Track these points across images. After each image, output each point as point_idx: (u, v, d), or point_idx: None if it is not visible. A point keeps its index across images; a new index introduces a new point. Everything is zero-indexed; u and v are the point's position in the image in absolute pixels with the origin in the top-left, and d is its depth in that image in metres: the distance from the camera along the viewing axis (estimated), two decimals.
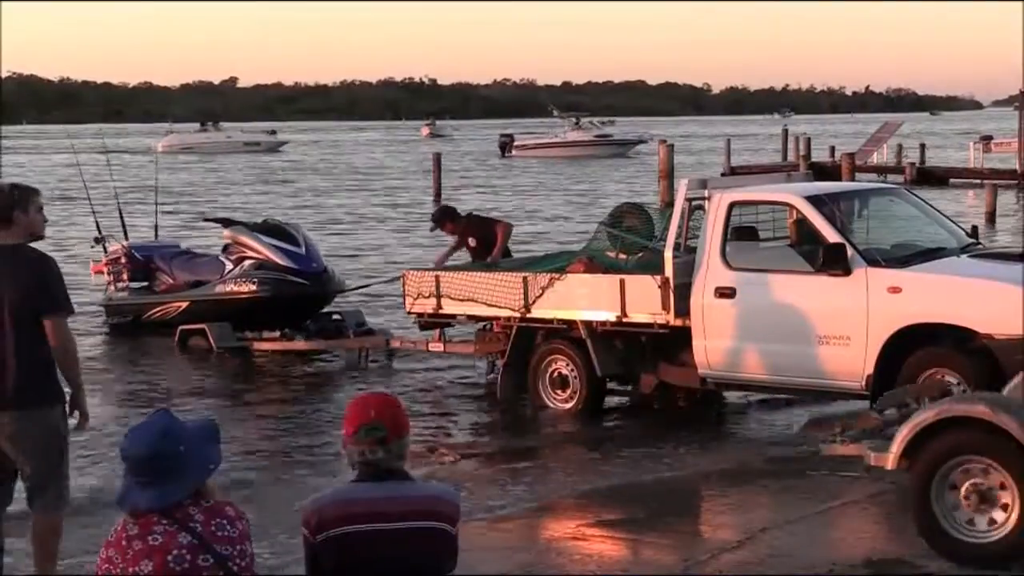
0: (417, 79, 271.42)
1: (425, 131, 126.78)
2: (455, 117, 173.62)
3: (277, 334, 16.80)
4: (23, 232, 7.27)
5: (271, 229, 17.63)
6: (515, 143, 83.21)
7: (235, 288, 16.90)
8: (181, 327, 17.01)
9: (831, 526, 9.37)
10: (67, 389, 7.39)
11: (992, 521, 7.65)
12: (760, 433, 12.45)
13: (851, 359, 10.81)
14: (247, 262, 16.95)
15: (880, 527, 9.24)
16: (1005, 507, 7.60)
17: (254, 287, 16.70)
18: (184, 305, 17.36)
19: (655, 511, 9.48)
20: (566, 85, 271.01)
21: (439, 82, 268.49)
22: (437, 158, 48.38)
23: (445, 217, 15.83)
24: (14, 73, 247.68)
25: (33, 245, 7.34)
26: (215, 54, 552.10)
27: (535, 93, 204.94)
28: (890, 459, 7.88)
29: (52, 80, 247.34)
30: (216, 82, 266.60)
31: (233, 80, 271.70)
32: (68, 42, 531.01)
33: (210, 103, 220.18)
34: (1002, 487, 7.60)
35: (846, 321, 10.89)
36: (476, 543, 7.67)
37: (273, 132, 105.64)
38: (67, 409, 7.36)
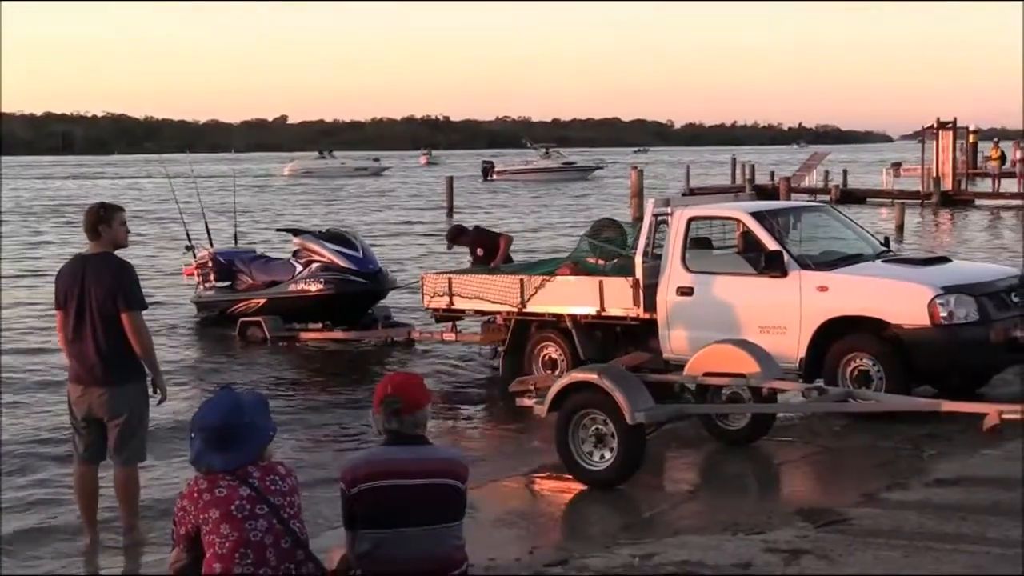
0: (434, 116, 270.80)
1: (423, 160, 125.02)
2: (465, 148, 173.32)
3: (319, 325, 16.77)
4: (108, 243, 7.31)
5: (334, 236, 17.38)
6: (495, 169, 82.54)
7: (305, 287, 16.65)
8: (241, 319, 16.98)
9: (771, 480, 9.37)
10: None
11: (603, 456, 8.61)
12: None
13: (787, 345, 10.80)
14: (314, 264, 16.69)
15: (812, 482, 9.23)
16: (612, 447, 8.53)
17: (321, 285, 16.48)
18: (262, 302, 17.07)
19: None
20: (555, 121, 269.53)
21: (452, 119, 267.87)
22: (449, 181, 48.53)
23: (458, 234, 15.96)
24: (108, 113, 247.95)
25: (116, 253, 7.37)
26: (269, 95, 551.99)
27: (531, 128, 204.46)
28: (544, 410, 8.87)
29: (139, 118, 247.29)
30: (270, 119, 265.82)
31: (284, 117, 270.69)
32: (152, 86, 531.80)
33: (265, 137, 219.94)
34: (611, 433, 8.49)
35: (783, 314, 10.88)
36: (477, 494, 7.67)
37: (377, 159, 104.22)
38: (150, 386, 7.40)
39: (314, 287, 16.57)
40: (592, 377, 8.59)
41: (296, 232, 18.24)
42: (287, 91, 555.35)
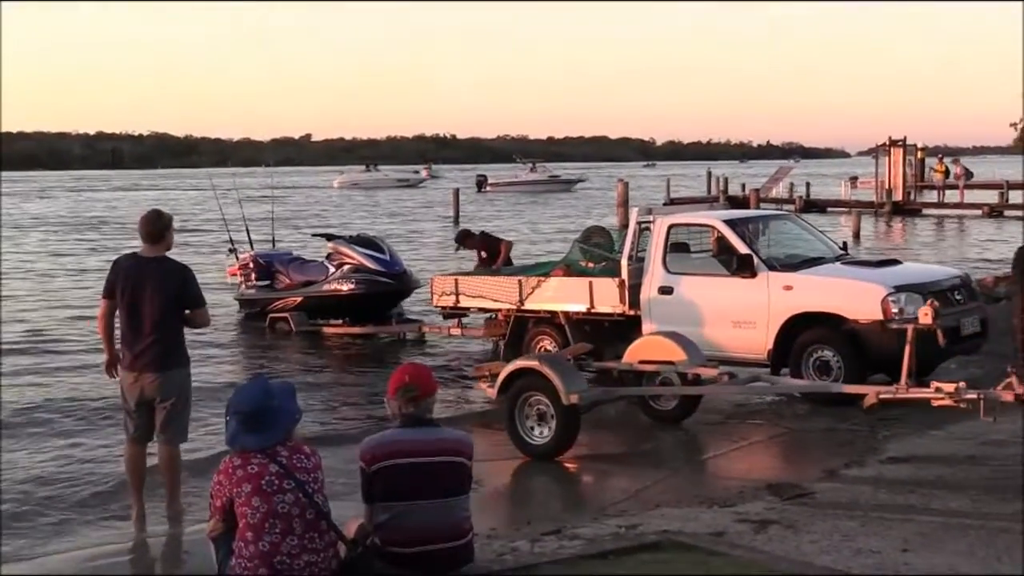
0: (442, 134, 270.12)
1: (424, 173, 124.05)
2: (470, 163, 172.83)
3: (340, 321, 16.73)
4: (166, 247, 7.35)
5: (363, 241, 17.28)
6: (488, 182, 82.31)
7: (338, 287, 16.55)
8: (270, 314, 16.95)
9: (742, 459, 9.35)
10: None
11: (543, 432, 8.78)
12: None
13: (757, 338, 10.82)
14: (346, 266, 16.58)
15: (779, 460, 9.22)
16: (551, 425, 8.71)
17: (352, 286, 16.38)
18: (299, 300, 16.92)
19: (617, 449, 9.44)
20: (550, 139, 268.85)
21: (458, 137, 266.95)
22: (456, 193, 48.35)
23: (465, 238, 15.95)
24: (153, 131, 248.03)
25: (169, 255, 7.41)
26: (296, 115, 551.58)
27: (528, 145, 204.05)
28: (494, 393, 9.06)
29: (180, 136, 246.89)
30: (296, 137, 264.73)
31: (308, 136, 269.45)
32: (191, 106, 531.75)
33: (292, 153, 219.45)
34: (551, 413, 8.67)
35: (753, 310, 10.89)
36: (482, 471, 7.67)
37: (417, 171, 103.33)
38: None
39: (346, 287, 16.51)
40: (534, 364, 8.85)
41: (329, 237, 18.19)
42: (312, 111, 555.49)
